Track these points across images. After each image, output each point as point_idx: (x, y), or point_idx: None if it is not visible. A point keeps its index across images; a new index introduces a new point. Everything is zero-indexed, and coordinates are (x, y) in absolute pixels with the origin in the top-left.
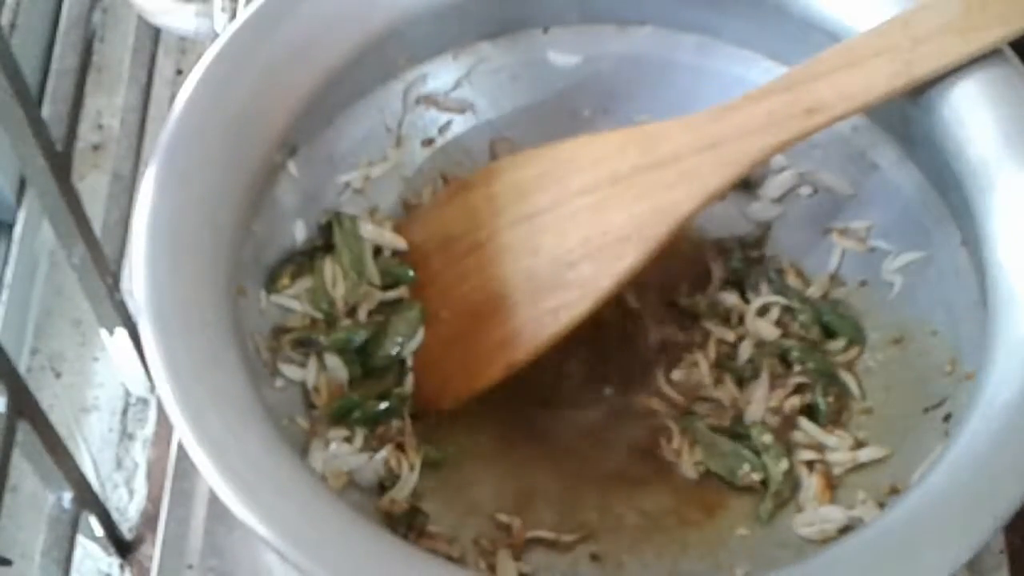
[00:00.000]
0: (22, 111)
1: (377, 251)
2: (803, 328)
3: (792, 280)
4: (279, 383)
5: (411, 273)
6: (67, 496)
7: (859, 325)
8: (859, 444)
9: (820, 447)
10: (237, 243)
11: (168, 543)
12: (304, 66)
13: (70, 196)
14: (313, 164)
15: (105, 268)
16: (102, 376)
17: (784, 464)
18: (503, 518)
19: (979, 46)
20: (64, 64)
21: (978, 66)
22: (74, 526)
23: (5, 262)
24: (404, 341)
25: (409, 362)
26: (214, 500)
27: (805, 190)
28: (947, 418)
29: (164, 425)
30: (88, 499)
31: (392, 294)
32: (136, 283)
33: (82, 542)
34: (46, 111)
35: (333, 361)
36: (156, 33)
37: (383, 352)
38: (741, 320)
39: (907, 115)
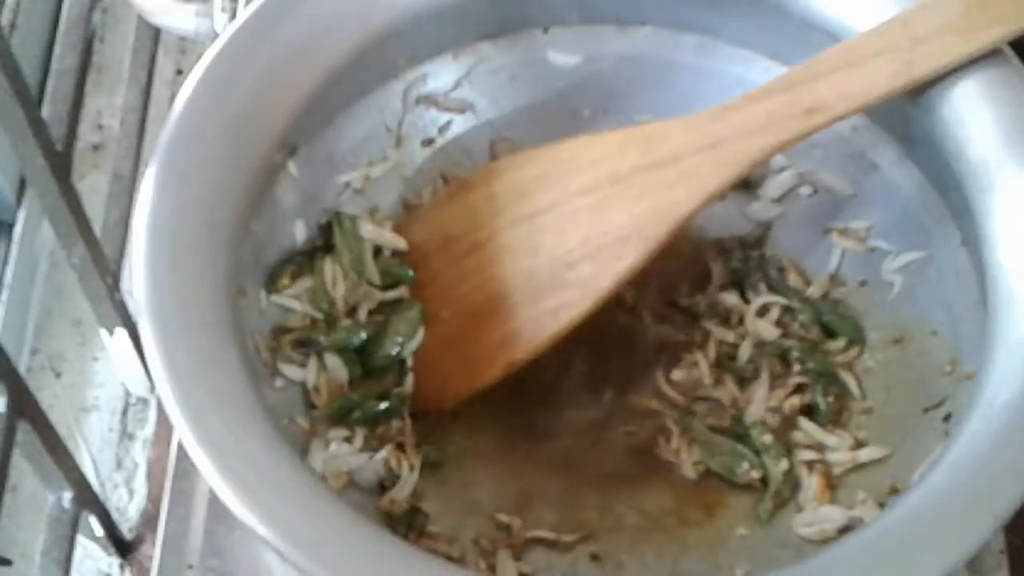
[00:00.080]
0: (22, 111)
1: (377, 251)
2: (803, 328)
3: (792, 280)
4: (279, 383)
5: (411, 273)
6: (67, 496)
7: (859, 325)
8: (859, 444)
9: (820, 447)
10: (237, 243)
11: (168, 543)
12: (304, 66)
13: (70, 196)
14: (313, 164)
15: (105, 268)
16: (102, 376)
17: (784, 464)
18: (503, 518)
19: (979, 46)
20: (64, 64)
21: (978, 66)
22: (74, 526)
23: (5, 262)
24: (404, 341)
25: (409, 362)
26: (214, 500)
27: (805, 190)
28: (947, 418)
29: (164, 425)
30: (88, 499)
31: (392, 294)
32: (136, 283)
33: (82, 542)
34: (46, 111)
35: (333, 361)
36: (156, 33)
37: (383, 352)
38: (741, 320)
39: (907, 115)
